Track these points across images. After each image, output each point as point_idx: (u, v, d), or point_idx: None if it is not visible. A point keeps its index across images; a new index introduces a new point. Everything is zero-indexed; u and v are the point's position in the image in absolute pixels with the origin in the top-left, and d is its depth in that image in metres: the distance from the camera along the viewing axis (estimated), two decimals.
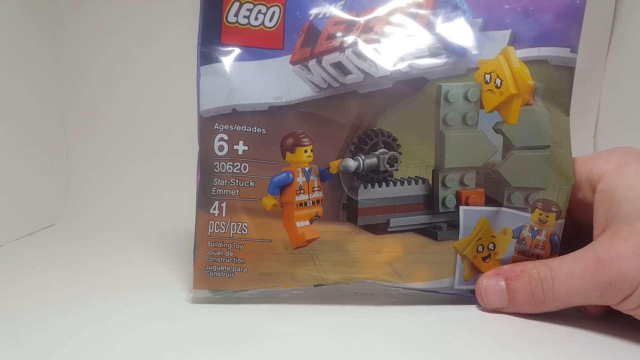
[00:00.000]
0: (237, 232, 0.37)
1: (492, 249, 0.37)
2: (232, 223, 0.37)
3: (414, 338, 0.33)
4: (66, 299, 0.39)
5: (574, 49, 0.36)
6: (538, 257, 0.36)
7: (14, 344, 0.32)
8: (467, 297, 0.37)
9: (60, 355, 0.30)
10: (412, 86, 0.36)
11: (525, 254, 0.37)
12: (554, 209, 0.36)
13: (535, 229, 0.36)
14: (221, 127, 0.36)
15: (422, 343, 0.32)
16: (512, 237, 0.37)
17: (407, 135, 0.36)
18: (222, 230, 0.37)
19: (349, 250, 0.37)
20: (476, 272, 0.37)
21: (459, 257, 0.37)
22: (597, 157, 0.35)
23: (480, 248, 0.37)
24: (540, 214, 0.36)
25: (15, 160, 0.59)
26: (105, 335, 0.33)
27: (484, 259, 0.37)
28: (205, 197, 0.37)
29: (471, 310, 0.37)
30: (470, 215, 0.36)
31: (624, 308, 0.31)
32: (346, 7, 0.37)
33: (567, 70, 0.36)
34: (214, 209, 0.36)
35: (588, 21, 0.64)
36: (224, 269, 0.37)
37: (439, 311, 0.37)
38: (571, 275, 0.32)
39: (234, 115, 0.36)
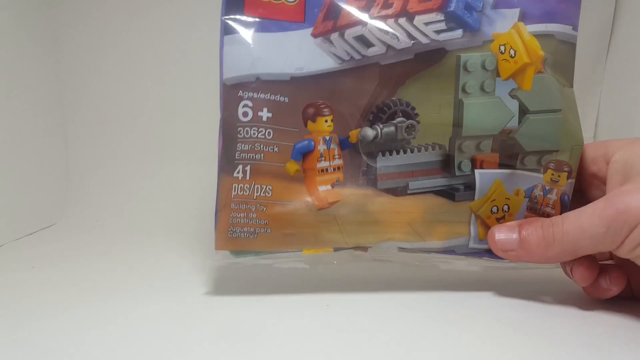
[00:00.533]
0: (261, 194, 0.37)
1: (507, 210, 0.38)
2: (256, 185, 0.37)
3: (417, 338, 0.33)
4: (66, 299, 0.39)
5: (575, 27, 0.39)
6: (548, 215, 0.38)
7: (14, 344, 0.31)
8: (482, 255, 0.39)
9: (60, 355, 0.30)
10: (433, 57, 0.37)
11: (536, 212, 0.38)
12: (565, 169, 0.38)
13: (547, 188, 0.38)
14: (245, 94, 0.37)
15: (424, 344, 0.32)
16: (525, 197, 0.38)
17: (427, 105, 0.38)
18: (246, 192, 0.37)
19: (370, 212, 0.38)
20: None
21: (473, 216, 0.38)
22: (613, 139, 0.38)
23: (494, 209, 0.38)
24: (552, 174, 0.38)
25: (15, 160, 0.59)
26: (105, 336, 0.32)
27: (498, 219, 0.38)
28: (228, 161, 0.37)
29: (477, 309, 0.37)
30: (485, 177, 0.38)
31: (626, 249, 0.32)
32: None
33: (571, 46, 0.39)
34: (238, 172, 0.37)
35: (588, 21, 0.66)
36: (248, 230, 0.37)
37: (446, 309, 0.37)
38: (581, 213, 0.34)
39: (258, 84, 0.37)
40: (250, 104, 0.37)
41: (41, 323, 0.34)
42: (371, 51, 0.37)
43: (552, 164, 0.38)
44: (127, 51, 0.70)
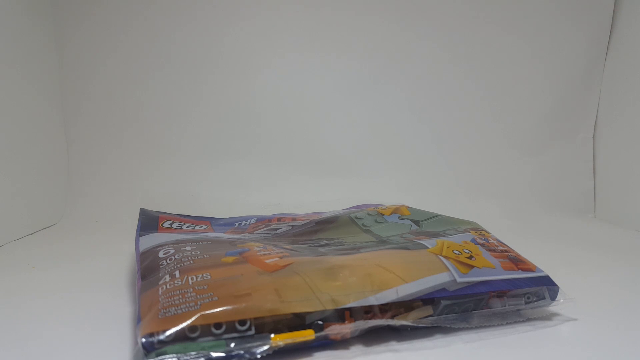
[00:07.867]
0: (198, 280, 0.31)
1: (469, 252, 0.36)
2: (189, 277, 0.31)
3: None
4: (66, 299, 0.39)
5: None
6: (507, 251, 0.38)
7: (14, 343, 0.32)
8: (482, 293, 0.34)
9: (60, 355, 0.30)
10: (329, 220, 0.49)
11: (495, 252, 0.38)
12: (480, 230, 0.42)
13: (481, 238, 0.39)
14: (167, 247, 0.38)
15: None
16: (475, 244, 0.38)
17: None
18: (179, 283, 0.31)
19: (332, 261, 0.34)
20: (469, 267, 0.34)
21: (442, 257, 0.35)
22: None
23: (456, 252, 0.36)
24: (476, 233, 0.41)
25: (16, 160, 0.59)
26: (105, 335, 0.33)
27: (469, 258, 0.35)
28: (150, 283, 0.32)
29: None
30: (427, 241, 0.38)
31: None
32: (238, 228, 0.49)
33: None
34: (163, 280, 0.32)
35: (588, 21, 0.66)
36: (185, 306, 0.29)
37: None
38: None
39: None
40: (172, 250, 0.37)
41: (41, 323, 0.34)
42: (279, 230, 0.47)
43: (468, 228, 0.42)
44: (128, 52, 0.70)
